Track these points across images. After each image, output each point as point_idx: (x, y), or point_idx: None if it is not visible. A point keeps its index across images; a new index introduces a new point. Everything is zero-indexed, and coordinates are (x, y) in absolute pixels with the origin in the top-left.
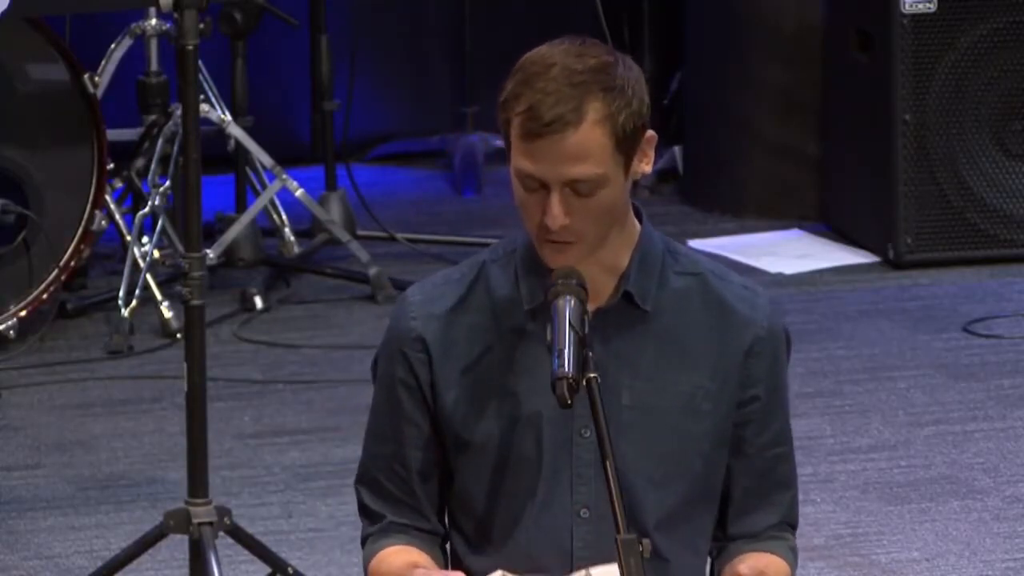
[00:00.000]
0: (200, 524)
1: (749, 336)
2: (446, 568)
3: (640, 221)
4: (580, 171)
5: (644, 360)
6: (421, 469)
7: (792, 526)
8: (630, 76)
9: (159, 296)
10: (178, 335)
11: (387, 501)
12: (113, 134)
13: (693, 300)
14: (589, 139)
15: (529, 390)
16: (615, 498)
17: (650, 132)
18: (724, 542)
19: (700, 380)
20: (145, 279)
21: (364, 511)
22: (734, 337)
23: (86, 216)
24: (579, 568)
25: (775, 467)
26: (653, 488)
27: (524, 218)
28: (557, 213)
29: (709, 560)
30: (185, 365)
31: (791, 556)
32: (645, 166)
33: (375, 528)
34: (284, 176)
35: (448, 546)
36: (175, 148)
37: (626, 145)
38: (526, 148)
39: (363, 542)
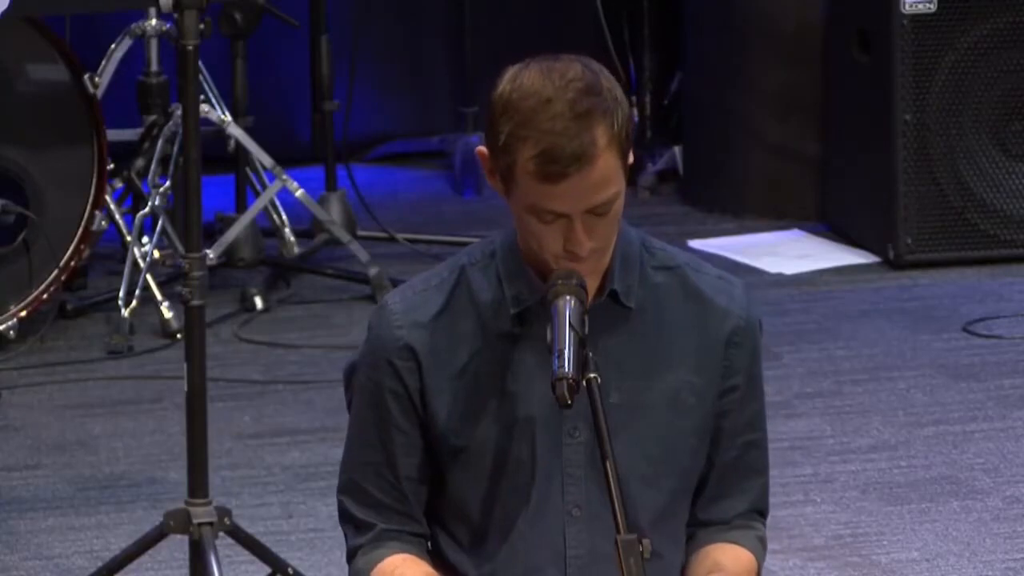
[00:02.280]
0: (200, 524)
1: (728, 326)
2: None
3: None
4: (603, 195)
5: (631, 358)
6: (411, 475)
7: (762, 514)
8: (609, 82)
9: (159, 296)
10: (178, 335)
11: (376, 509)
12: (113, 134)
13: (673, 294)
14: (606, 165)
15: (520, 393)
16: (615, 499)
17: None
18: (694, 528)
19: (685, 374)
20: (145, 279)
21: (350, 521)
22: (714, 328)
23: (86, 216)
24: None
25: (747, 453)
26: (645, 486)
27: (536, 245)
28: (584, 240)
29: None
30: (185, 365)
31: (759, 546)
32: (630, 158)
33: (365, 538)
34: (284, 176)
35: (431, 545)
36: (175, 148)
37: (626, 152)
38: (545, 189)
39: (351, 553)
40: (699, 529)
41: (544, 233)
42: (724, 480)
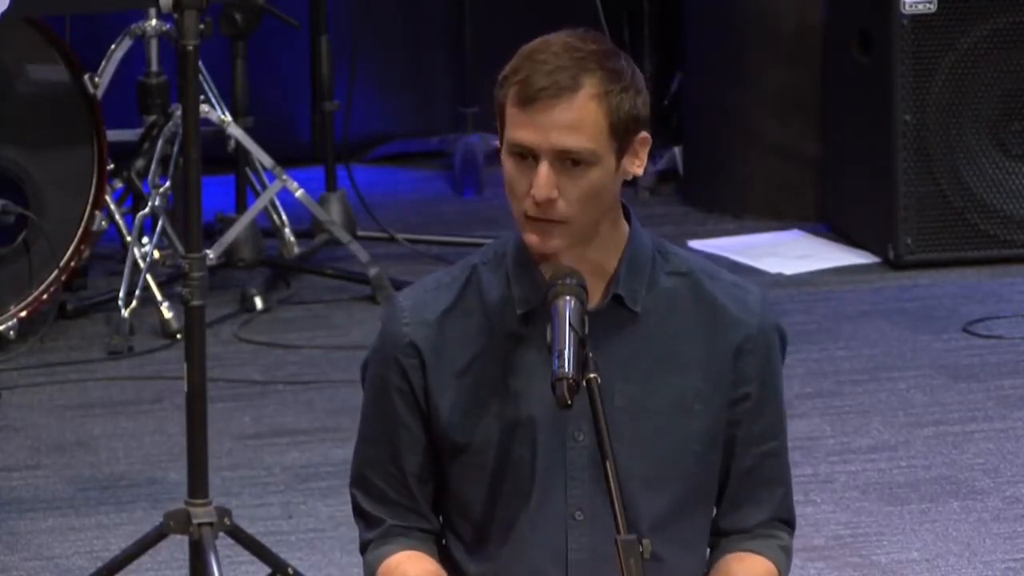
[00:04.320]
0: (200, 525)
1: (739, 335)
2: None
3: (629, 222)
4: (572, 141)
5: (635, 362)
6: (416, 471)
7: (786, 522)
8: (632, 69)
9: (159, 296)
10: (178, 335)
11: (384, 504)
12: (113, 134)
13: (683, 300)
14: (583, 111)
15: (523, 394)
16: (615, 499)
17: (644, 134)
18: (717, 537)
19: (692, 381)
20: (145, 279)
21: (361, 515)
22: (724, 336)
23: (86, 216)
24: None
25: (764, 463)
26: (647, 490)
27: (512, 199)
28: (545, 182)
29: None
30: (185, 365)
31: (781, 555)
32: (637, 167)
33: (374, 533)
34: (284, 176)
35: (443, 543)
36: (175, 148)
37: (620, 131)
38: (519, 116)
39: (363, 547)
40: (721, 539)
41: (516, 179)
42: (742, 489)
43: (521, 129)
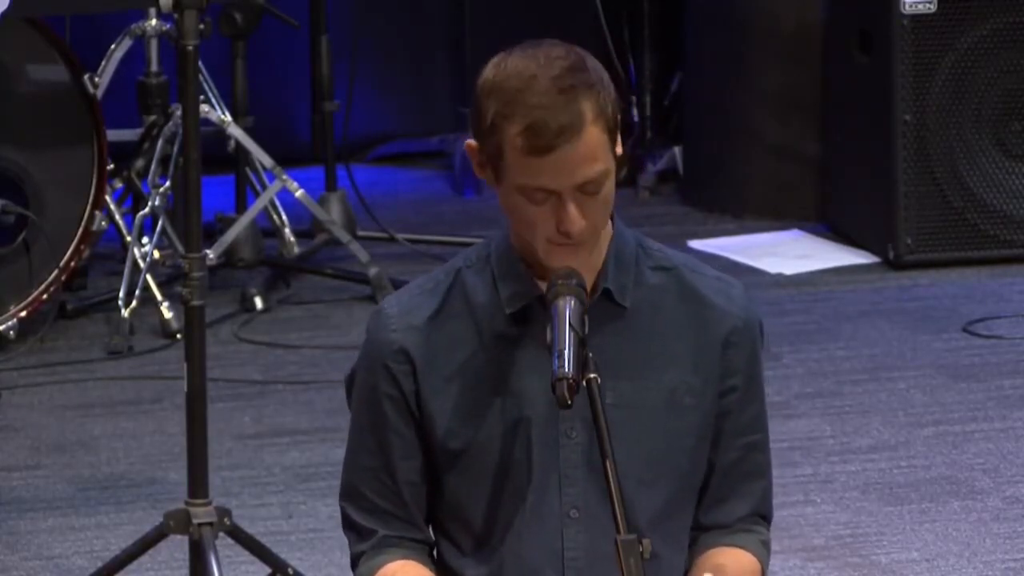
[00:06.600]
0: (200, 525)
1: (726, 327)
2: None
3: (611, 218)
4: (590, 172)
5: (626, 358)
6: (410, 479)
7: (765, 518)
8: (596, 65)
9: (159, 296)
10: (178, 335)
11: (376, 515)
12: (113, 134)
13: (669, 295)
14: (592, 140)
15: (515, 394)
16: (615, 498)
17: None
18: (697, 532)
19: (682, 375)
20: (145, 279)
21: (352, 527)
22: (712, 329)
23: (86, 216)
24: None
25: (748, 456)
26: (643, 487)
27: (528, 230)
28: (576, 217)
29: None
30: (185, 365)
31: (763, 550)
32: (618, 147)
33: (367, 544)
34: (284, 176)
35: (435, 553)
36: (175, 148)
37: (613, 131)
38: (534, 164)
39: (355, 560)
40: (701, 533)
41: (535, 216)
42: (725, 483)
43: (539, 176)
